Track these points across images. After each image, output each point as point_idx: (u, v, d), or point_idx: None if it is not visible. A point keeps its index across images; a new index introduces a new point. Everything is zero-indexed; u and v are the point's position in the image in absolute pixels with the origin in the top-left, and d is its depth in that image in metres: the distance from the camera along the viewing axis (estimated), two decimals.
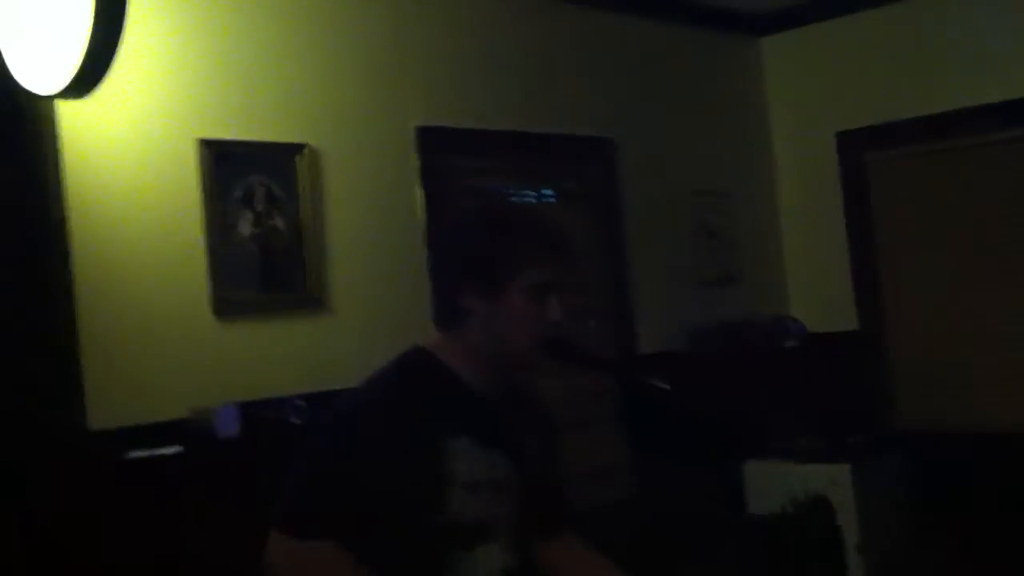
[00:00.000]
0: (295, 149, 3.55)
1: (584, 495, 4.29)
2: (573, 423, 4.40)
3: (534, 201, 4.57)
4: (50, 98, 2.92)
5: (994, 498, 4.54)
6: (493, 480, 2.03)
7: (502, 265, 2.00)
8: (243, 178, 3.40)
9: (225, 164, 3.35)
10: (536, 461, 2.16)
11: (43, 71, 2.85)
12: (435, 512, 1.95)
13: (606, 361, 3.19)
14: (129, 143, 3.21)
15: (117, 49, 2.83)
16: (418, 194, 3.93)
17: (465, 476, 1.98)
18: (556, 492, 2.29)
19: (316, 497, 1.95)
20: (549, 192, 4.65)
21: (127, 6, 2.78)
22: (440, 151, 4.03)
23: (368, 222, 3.77)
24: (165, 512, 2.97)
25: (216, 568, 3.00)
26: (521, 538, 2.12)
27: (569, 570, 2.26)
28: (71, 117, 3.08)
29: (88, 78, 2.86)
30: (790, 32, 5.37)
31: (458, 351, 2.06)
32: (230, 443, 3.08)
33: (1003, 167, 4.81)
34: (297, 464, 1.99)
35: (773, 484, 4.47)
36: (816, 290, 5.32)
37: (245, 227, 3.39)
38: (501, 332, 2.01)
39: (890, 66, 5.05)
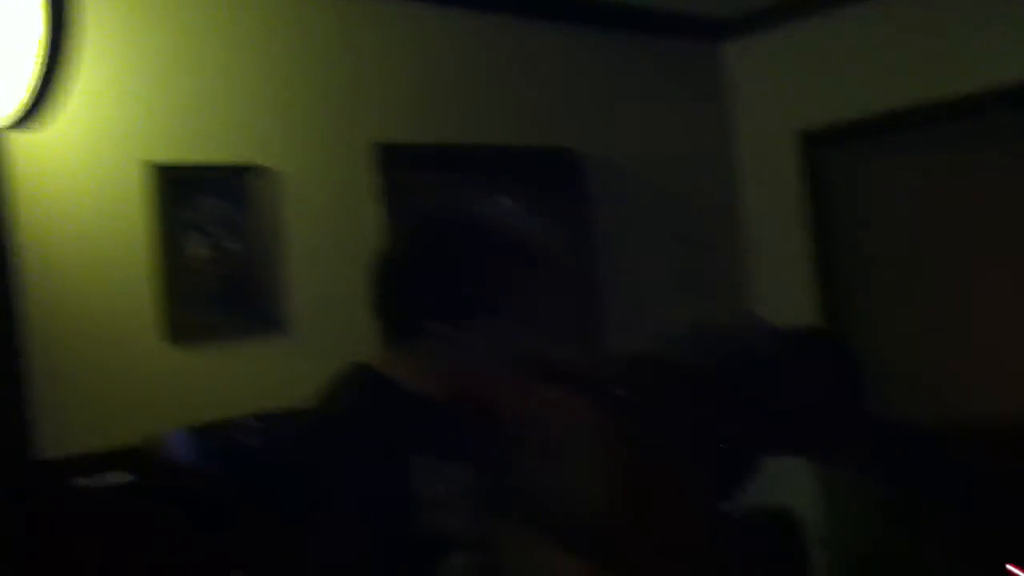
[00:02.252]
0: (248, 170, 3.54)
1: (560, 509, 4.30)
2: (547, 437, 4.42)
3: (496, 215, 4.56)
4: None
5: (959, 492, 4.52)
6: (455, 491, 2.02)
7: (469, 289, 1.98)
8: (195, 201, 3.39)
9: (176, 187, 3.34)
10: (500, 471, 2.16)
11: None
12: (402, 530, 1.94)
13: (576, 373, 3.18)
14: (79, 170, 3.20)
15: (64, 79, 2.83)
16: (377, 212, 3.91)
17: (429, 491, 1.97)
18: (524, 496, 2.28)
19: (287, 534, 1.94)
20: (513, 204, 4.64)
21: (72, 36, 2.77)
22: (400, 168, 4.01)
23: (327, 241, 3.75)
24: (115, 540, 2.94)
25: None
26: (491, 544, 2.11)
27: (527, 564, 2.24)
28: (20, 147, 3.07)
29: (36, 109, 2.86)
30: (750, 37, 5.37)
31: (411, 367, 2.03)
32: (184, 469, 3.06)
33: (963, 162, 4.81)
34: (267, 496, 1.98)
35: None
36: (781, 290, 5.31)
37: (197, 251, 3.38)
38: (466, 354, 2.01)
39: (847, 66, 5.04)
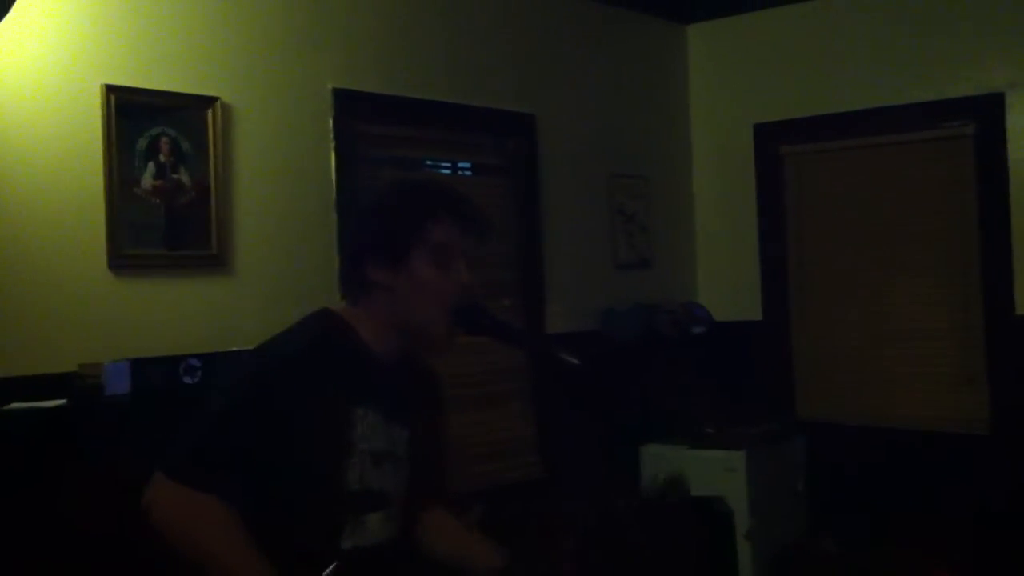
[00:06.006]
0: (206, 102, 3.45)
1: (489, 473, 4.29)
2: (484, 399, 4.40)
3: (450, 173, 4.52)
4: None
5: (885, 491, 4.62)
6: (391, 453, 2.03)
7: (403, 230, 1.99)
8: (149, 129, 3.29)
9: (130, 113, 3.25)
10: (425, 436, 2.16)
11: None
12: (333, 478, 1.94)
13: (518, 333, 3.14)
14: (29, 88, 3.09)
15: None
16: (331, 157, 3.86)
17: (367, 445, 1.97)
18: (440, 467, 2.28)
19: (212, 450, 1.90)
20: (466, 165, 4.60)
21: None
22: (357, 115, 3.96)
23: (278, 183, 3.69)
24: (44, 465, 2.87)
25: (96, 522, 2.92)
26: (406, 509, 2.12)
27: (436, 539, 2.24)
28: None
29: None
30: (716, 21, 5.39)
31: (366, 322, 2.04)
32: (119, 400, 2.99)
33: (910, 166, 4.90)
34: (197, 415, 1.94)
35: (667, 468, 4.50)
36: (725, 279, 5.36)
37: (148, 180, 3.29)
38: (408, 301, 2.00)
39: (811, 61, 5.10)
